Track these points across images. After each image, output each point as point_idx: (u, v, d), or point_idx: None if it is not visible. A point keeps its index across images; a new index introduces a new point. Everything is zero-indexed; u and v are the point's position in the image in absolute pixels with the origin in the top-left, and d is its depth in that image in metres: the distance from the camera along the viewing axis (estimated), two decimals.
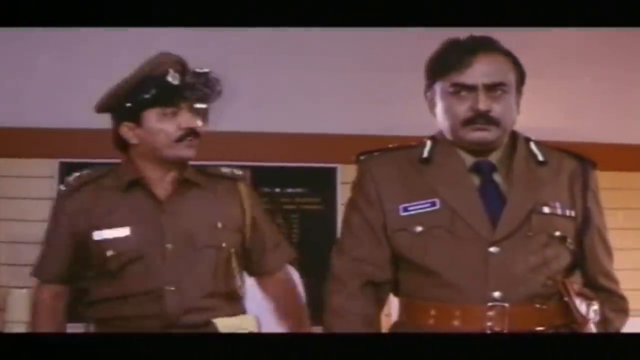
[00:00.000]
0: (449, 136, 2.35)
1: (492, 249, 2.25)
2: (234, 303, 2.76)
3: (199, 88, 5.69)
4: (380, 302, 2.40)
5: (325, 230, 5.68)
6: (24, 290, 4.47)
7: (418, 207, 2.32)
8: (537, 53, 4.76)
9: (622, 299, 2.41)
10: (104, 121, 2.81)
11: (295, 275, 5.26)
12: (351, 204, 2.42)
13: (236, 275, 2.78)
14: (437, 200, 2.31)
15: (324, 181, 5.80)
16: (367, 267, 2.34)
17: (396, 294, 2.40)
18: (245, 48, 5.70)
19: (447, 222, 2.29)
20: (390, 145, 2.45)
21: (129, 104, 2.69)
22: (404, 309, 2.38)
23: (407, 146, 2.44)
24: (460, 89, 2.28)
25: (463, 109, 2.28)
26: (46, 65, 5.17)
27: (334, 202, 5.79)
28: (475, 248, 2.25)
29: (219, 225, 2.73)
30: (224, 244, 2.73)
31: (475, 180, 2.33)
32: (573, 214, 2.33)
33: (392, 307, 2.54)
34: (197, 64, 5.65)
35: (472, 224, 2.27)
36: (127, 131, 2.71)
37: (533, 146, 2.39)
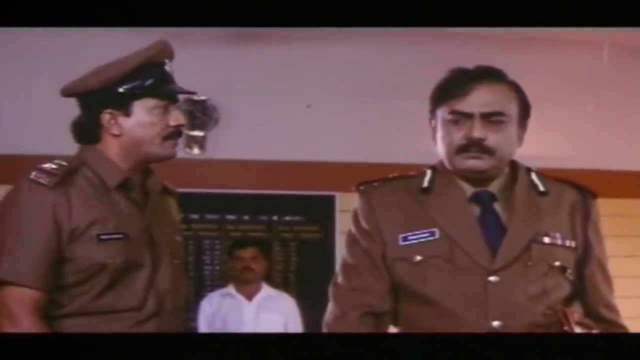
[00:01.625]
0: (446, 164, 2.35)
1: (492, 278, 2.24)
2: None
3: (196, 115, 5.70)
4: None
5: (323, 259, 5.68)
6: None
7: (417, 237, 2.31)
8: (540, 80, 4.77)
9: (623, 329, 2.40)
10: None
11: (291, 303, 5.27)
12: (351, 235, 2.41)
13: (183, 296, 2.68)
14: (436, 230, 2.30)
15: (322, 209, 5.81)
16: (366, 298, 2.32)
17: (395, 325, 2.39)
18: (243, 76, 5.71)
19: (447, 251, 2.28)
20: (390, 175, 2.45)
21: (120, 90, 2.43)
22: None
23: (407, 176, 2.43)
24: (458, 116, 2.28)
25: (458, 136, 2.28)
26: (43, 92, 5.16)
27: (332, 230, 5.79)
28: (475, 277, 2.24)
29: (179, 239, 2.62)
30: (184, 259, 2.64)
31: (475, 210, 2.33)
32: (573, 244, 2.33)
33: None
34: (196, 91, 5.67)
35: (472, 253, 2.26)
36: (110, 119, 2.44)
37: (534, 176, 2.39)
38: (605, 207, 2.45)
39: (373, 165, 5.11)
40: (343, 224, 5.59)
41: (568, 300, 2.30)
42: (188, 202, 5.54)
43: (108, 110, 2.44)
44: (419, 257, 2.29)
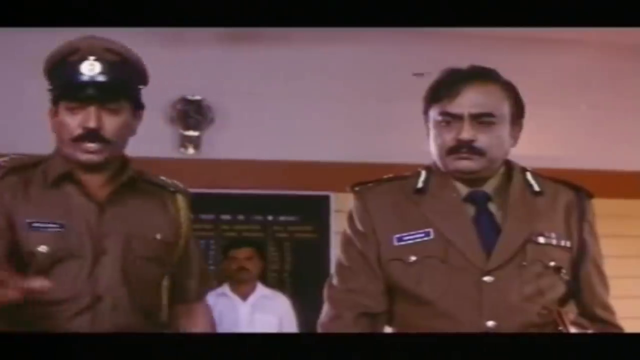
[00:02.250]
0: (438, 165, 2.35)
1: (486, 279, 2.24)
2: (158, 328, 2.50)
3: (191, 115, 5.70)
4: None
5: (318, 259, 5.68)
6: None
7: (412, 237, 2.31)
8: (533, 80, 4.77)
9: (618, 329, 2.40)
10: None
11: (286, 303, 5.27)
12: (346, 236, 2.41)
13: (163, 297, 2.53)
14: (430, 230, 2.30)
15: (317, 209, 5.82)
16: (361, 299, 2.32)
17: (390, 325, 2.39)
18: (238, 76, 5.71)
19: (441, 252, 2.28)
20: (385, 176, 2.44)
21: (49, 88, 2.43)
22: None
23: (402, 176, 2.43)
24: (448, 117, 2.29)
25: (449, 137, 2.29)
26: (36, 91, 5.15)
27: (327, 230, 5.80)
28: (469, 277, 2.24)
29: (158, 236, 2.50)
30: (160, 258, 2.49)
31: (470, 210, 2.33)
32: (568, 244, 2.32)
33: None
34: (190, 91, 5.68)
35: (466, 253, 2.26)
36: (49, 116, 2.45)
37: (529, 176, 2.38)
38: (599, 207, 2.45)
39: (368, 166, 5.11)
40: (338, 224, 5.59)
41: (563, 300, 2.30)
42: None
43: (49, 107, 2.45)
44: (413, 258, 2.29)
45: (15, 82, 5.32)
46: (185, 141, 5.72)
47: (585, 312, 2.32)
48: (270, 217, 5.86)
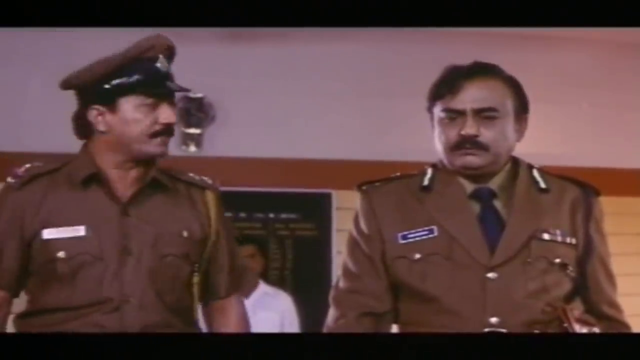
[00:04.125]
0: (444, 161, 2.36)
1: (490, 275, 2.25)
2: (189, 326, 2.50)
3: (192, 113, 5.70)
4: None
5: (320, 256, 5.67)
6: None
7: (416, 235, 2.32)
8: (533, 78, 4.77)
9: (625, 327, 2.40)
10: None
11: (288, 300, 5.26)
12: (352, 238, 2.42)
13: (195, 294, 2.52)
14: (434, 228, 2.31)
15: (319, 207, 5.81)
16: (365, 299, 2.34)
17: (396, 323, 2.40)
18: (240, 73, 5.71)
19: (446, 249, 2.29)
20: (392, 175, 2.45)
21: (107, 86, 2.40)
22: None
23: (409, 175, 2.44)
24: (452, 114, 2.30)
25: (452, 134, 2.30)
26: (40, 89, 5.16)
27: (329, 227, 5.79)
28: (473, 274, 2.25)
29: (185, 234, 2.48)
30: (188, 255, 2.48)
31: (475, 207, 2.33)
32: (574, 241, 2.33)
33: None
34: (192, 89, 5.67)
35: (470, 250, 2.27)
36: (96, 116, 2.42)
37: (535, 173, 2.39)
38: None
39: (370, 163, 5.12)
40: (340, 222, 5.59)
41: (569, 298, 2.30)
42: None
43: (95, 107, 2.42)
44: (418, 255, 2.30)
45: (15, 81, 5.33)
46: (187, 139, 5.72)
47: (592, 310, 2.32)
48: (271, 215, 5.86)
